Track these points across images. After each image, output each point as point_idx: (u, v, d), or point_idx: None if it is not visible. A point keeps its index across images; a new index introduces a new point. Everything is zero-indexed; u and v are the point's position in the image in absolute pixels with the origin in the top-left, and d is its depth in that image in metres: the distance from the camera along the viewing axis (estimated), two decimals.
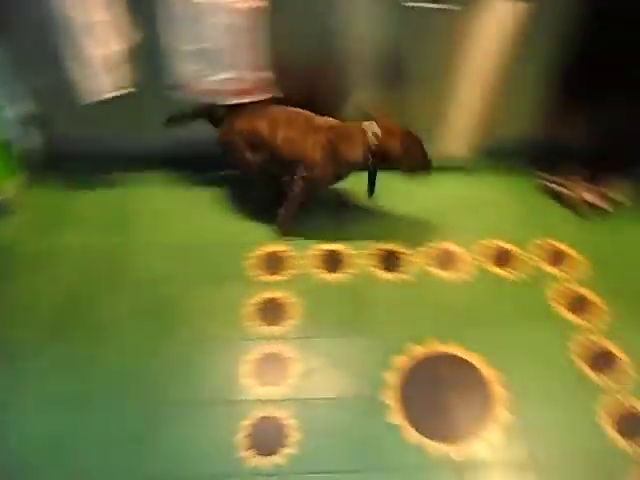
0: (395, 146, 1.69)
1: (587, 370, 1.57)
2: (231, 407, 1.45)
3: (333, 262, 1.83)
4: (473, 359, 1.58)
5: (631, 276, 1.82)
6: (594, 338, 1.64)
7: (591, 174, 2.01)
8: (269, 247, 1.86)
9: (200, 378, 1.52)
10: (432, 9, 1.69)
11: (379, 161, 1.74)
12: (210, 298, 1.71)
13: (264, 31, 1.66)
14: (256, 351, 1.57)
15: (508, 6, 1.71)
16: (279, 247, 1.86)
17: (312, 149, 1.72)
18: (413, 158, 1.73)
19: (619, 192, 2.01)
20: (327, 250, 1.87)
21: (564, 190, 2.04)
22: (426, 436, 1.42)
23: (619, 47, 1.72)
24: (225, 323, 1.64)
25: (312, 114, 1.78)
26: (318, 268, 1.81)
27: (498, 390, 1.51)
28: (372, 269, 1.82)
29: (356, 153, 1.72)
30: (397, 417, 1.45)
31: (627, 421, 1.46)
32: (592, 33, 1.75)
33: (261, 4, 1.62)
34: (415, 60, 1.84)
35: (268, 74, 1.75)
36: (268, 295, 1.72)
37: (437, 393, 1.51)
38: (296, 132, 1.74)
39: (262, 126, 1.75)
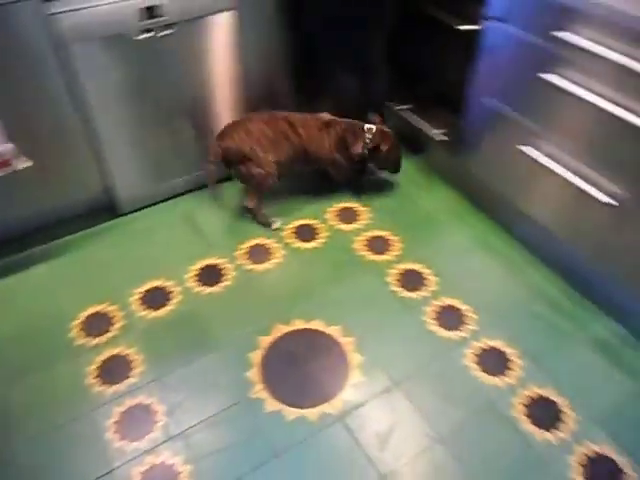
0: (385, 147, 2.08)
1: (405, 293, 1.84)
2: (115, 475, 1.38)
3: (156, 298, 1.82)
4: (316, 326, 1.73)
5: (405, 212, 2.17)
6: (401, 265, 1.93)
7: None
8: (88, 311, 1.78)
9: (67, 467, 1.40)
10: (156, 37, 1.78)
11: (369, 157, 2.12)
12: (45, 384, 1.58)
13: None
14: (115, 413, 1.51)
15: (223, 17, 1.88)
16: (99, 307, 1.79)
17: (329, 145, 2.04)
18: (393, 160, 2.17)
19: None
20: (148, 289, 1.85)
21: None
22: (302, 407, 1.52)
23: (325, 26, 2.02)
24: (72, 402, 1.53)
25: (309, 114, 2.05)
26: (143, 310, 1.79)
27: (346, 341, 1.69)
28: (195, 290, 1.86)
29: (359, 148, 2.06)
30: (272, 404, 1.53)
31: (448, 316, 1.76)
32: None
33: None
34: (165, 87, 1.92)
35: (10, 146, 1.67)
36: (105, 356, 1.65)
37: (297, 367, 1.63)
38: (313, 130, 2.01)
39: (284, 127, 1.98)
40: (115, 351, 1.67)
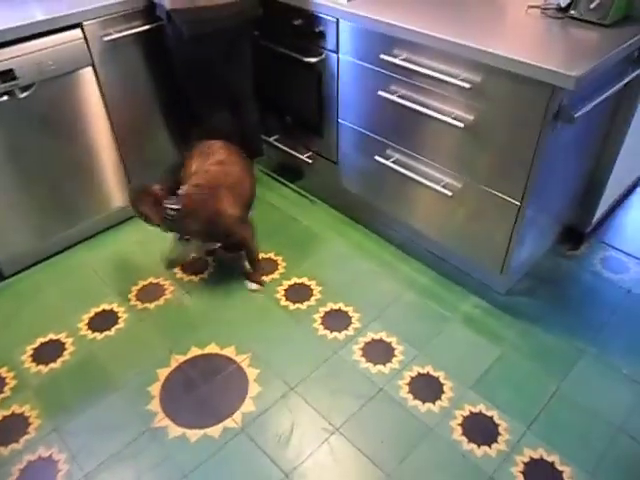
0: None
1: (293, 305, 1.97)
2: None
3: (49, 353, 1.82)
4: (212, 350, 1.81)
5: (286, 232, 2.32)
6: (287, 282, 2.07)
7: None
8: None
9: None
10: (16, 99, 1.83)
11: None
12: None
13: None
14: (15, 471, 1.49)
15: (81, 74, 1.97)
16: None
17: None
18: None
19: None
20: (39, 345, 1.85)
21: None
22: (204, 427, 1.59)
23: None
24: None
25: None
26: (36, 365, 1.78)
27: (241, 358, 1.78)
28: (89, 337, 1.87)
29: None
30: (175, 430, 1.58)
31: (334, 319, 1.91)
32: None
33: None
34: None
35: None
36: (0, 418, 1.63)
37: (196, 391, 1.69)
38: None
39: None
40: (8, 412, 1.64)
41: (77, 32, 1.89)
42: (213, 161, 2.00)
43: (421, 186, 1.90)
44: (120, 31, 1.98)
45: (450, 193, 1.81)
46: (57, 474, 1.49)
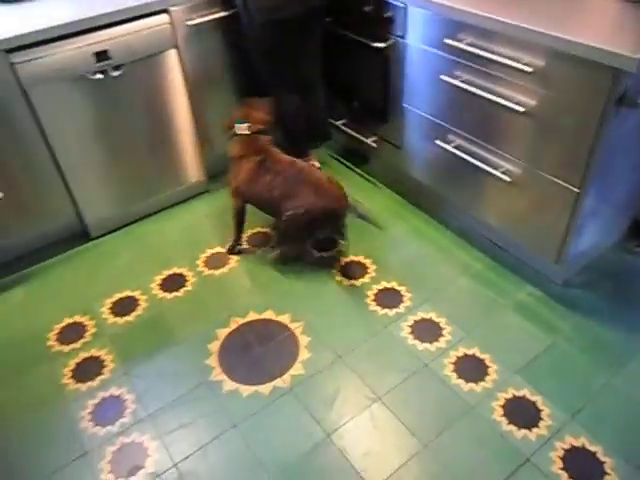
0: None
1: (348, 281, 2.06)
2: (89, 455, 1.55)
3: (124, 307, 2.02)
4: (268, 316, 1.93)
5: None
6: (344, 259, 2.15)
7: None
8: (63, 323, 1.97)
9: (46, 450, 1.57)
10: (108, 77, 2.03)
11: None
12: (26, 385, 1.76)
13: None
14: (89, 405, 1.69)
15: (167, 55, 2.14)
16: (72, 319, 1.98)
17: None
18: None
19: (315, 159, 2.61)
20: (116, 300, 2.05)
21: None
22: (256, 384, 1.71)
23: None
24: (50, 399, 1.71)
25: None
26: (113, 317, 1.98)
27: (294, 326, 1.89)
28: (159, 296, 2.06)
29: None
30: (229, 384, 1.72)
31: (386, 297, 1.98)
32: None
33: None
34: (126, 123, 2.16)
35: None
36: (79, 359, 1.84)
37: (251, 351, 1.82)
38: None
39: None
40: (88, 354, 1.85)
41: (164, 17, 2.07)
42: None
43: (481, 171, 1.91)
44: (202, 16, 2.14)
45: (509, 179, 1.81)
46: (125, 411, 1.67)
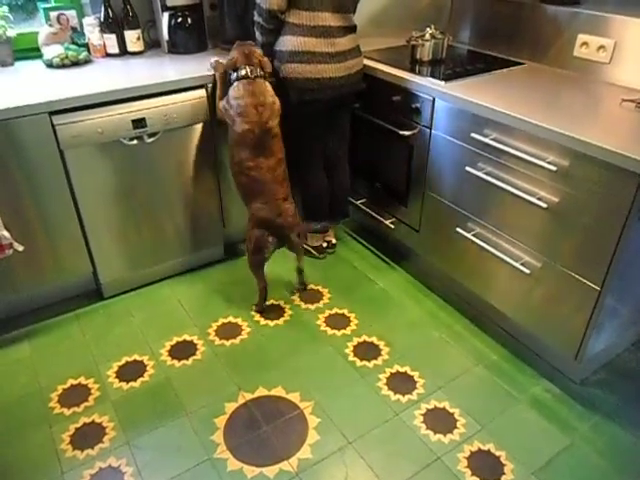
0: None
1: (360, 362, 2.02)
2: None
3: (131, 372, 1.97)
4: (278, 392, 1.88)
5: (362, 291, 2.41)
6: (357, 338, 2.13)
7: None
8: (66, 384, 1.92)
9: None
10: (143, 143, 2.10)
11: None
12: (22, 450, 1.69)
13: None
14: (86, 475, 1.61)
15: (198, 127, 2.22)
16: (77, 380, 1.93)
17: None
18: None
19: (332, 235, 2.65)
20: (124, 364, 2.01)
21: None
22: (261, 465, 1.64)
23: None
24: (46, 466, 1.63)
25: None
26: (119, 382, 1.93)
27: (304, 405, 1.84)
28: (168, 363, 2.01)
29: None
30: (234, 463, 1.64)
31: (399, 382, 1.93)
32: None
33: None
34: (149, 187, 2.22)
35: (6, 233, 1.90)
36: (79, 423, 1.77)
37: (258, 429, 1.76)
38: None
39: None
40: (89, 419, 1.79)
41: (202, 92, 2.17)
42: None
43: (500, 262, 1.93)
44: None
45: (528, 271, 1.82)
46: None
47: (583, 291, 1.70)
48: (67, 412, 1.82)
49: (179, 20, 2.38)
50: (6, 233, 1.89)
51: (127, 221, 2.22)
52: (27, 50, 2.30)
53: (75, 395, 1.88)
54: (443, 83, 2.02)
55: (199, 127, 2.22)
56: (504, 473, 1.63)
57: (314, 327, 2.19)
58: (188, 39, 2.44)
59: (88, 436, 1.73)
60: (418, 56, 2.32)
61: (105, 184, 2.10)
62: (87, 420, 1.79)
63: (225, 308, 2.29)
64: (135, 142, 2.08)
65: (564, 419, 1.80)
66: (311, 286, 2.42)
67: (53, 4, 2.35)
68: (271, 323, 2.21)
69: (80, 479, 1.60)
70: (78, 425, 1.77)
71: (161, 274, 2.45)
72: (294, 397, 1.87)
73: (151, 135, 2.11)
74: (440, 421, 1.79)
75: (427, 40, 2.29)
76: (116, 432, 1.75)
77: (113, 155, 2.07)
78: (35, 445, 1.71)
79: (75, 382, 1.93)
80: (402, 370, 1.98)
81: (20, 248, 1.95)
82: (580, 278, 1.70)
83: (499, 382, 1.94)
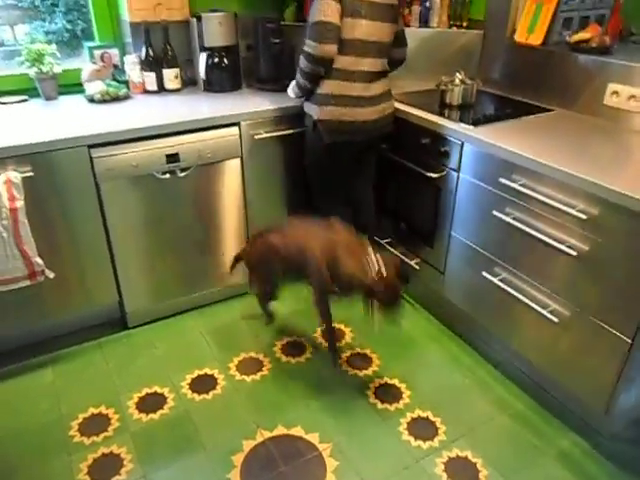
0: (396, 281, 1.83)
1: (381, 405, 1.98)
2: None
3: (151, 403, 1.98)
4: (297, 432, 1.86)
5: (384, 332, 2.37)
6: (378, 380, 2.10)
7: None
8: (87, 412, 1.93)
9: None
10: (175, 177, 2.16)
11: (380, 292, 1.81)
12: (40, 478, 1.69)
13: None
14: None
15: (230, 163, 2.28)
16: (98, 409, 1.94)
17: (316, 250, 1.91)
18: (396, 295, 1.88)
19: None
20: (144, 395, 2.01)
21: None
22: None
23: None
24: None
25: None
26: (138, 413, 1.93)
27: (323, 447, 1.81)
28: (188, 396, 2.01)
29: (357, 267, 1.81)
30: None
31: (420, 427, 1.89)
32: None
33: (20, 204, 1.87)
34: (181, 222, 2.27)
35: (39, 260, 1.95)
36: (98, 454, 1.77)
37: (276, 469, 1.73)
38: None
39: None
40: (107, 450, 1.79)
41: (234, 129, 2.23)
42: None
43: (526, 308, 1.89)
44: (270, 132, 2.30)
45: (556, 319, 1.79)
46: None
47: (613, 343, 1.66)
48: (87, 441, 1.82)
49: (216, 60, 2.47)
50: (39, 260, 1.95)
51: (155, 252, 2.27)
52: (70, 85, 2.40)
53: (95, 424, 1.89)
54: (472, 127, 2.04)
55: (231, 163, 2.27)
56: None
57: (332, 365, 2.17)
58: (224, 78, 2.52)
59: (105, 467, 1.73)
60: (448, 100, 2.35)
61: (136, 215, 2.16)
62: (106, 451, 1.79)
63: (247, 343, 2.29)
64: (168, 176, 2.14)
65: (593, 476, 1.73)
66: (335, 324, 2.40)
67: (98, 43, 2.47)
68: (293, 360, 2.20)
69: None
70: (96, 455, 1.77)
71: (186, 305, 2.47)
72: (313, 437, 1.84)
73: (183, 170, 2.17)
74: (462, 471, 1.74)
75: (457, 85, 2.32)
76: (133, 464, 1.74)
77: (146, 188, 2.13)
78: (53, 473, 1.71)
79: (96, 411, 1.94)
80: (424, 415, 1.94)
81: (51, 275, 2.01)
82: (610, 329, 1.66)
83: (524, 433, 1.88)
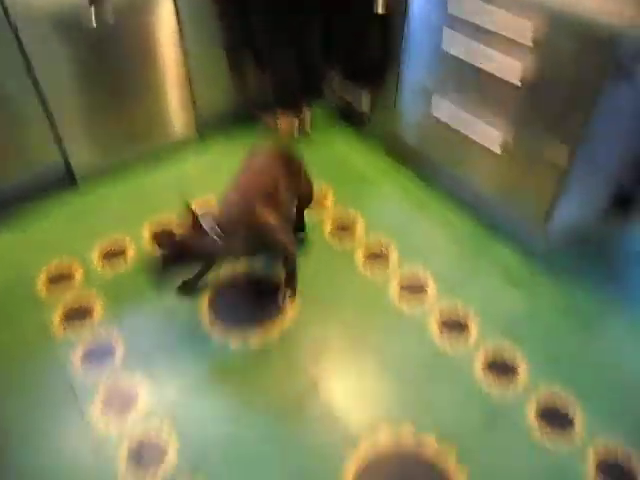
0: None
1: (335, 240, 2.09)
2: (79, 393, 1.59)
3: (112, 254, 2.02)
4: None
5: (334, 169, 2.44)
6: (331, 213, 2.18)
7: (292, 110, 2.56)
8: (51, 267, 1.97)
9: (36, 393, 1.60)
10: (101, 24, 1.97)
11: None
12: (15, 331, 1.77)
13: None
14: (78, 349, 1.71)
15: (162, 7, 2.09)
16: (61, 264, 1.98)
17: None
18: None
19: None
20: (105, 246, 2.05)
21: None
22: (245, 336, 1.76)
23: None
24: (39, 343, 1.73)
25: None
26: (102, 263, 1.99)
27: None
28: (148, 245, 2.06)
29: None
30: (218, 333, 1.75)
31: (374, 259, 2.02)
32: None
33: None
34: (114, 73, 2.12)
35: None
36: (68, 304, 1.85)
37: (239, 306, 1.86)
38: None
39: None
40: (77, 300, 1.86)
41: None
42: (248, 172, 1.79)
43: (472, 142, 1.94)
44: None
45: (499, 145, 1.85)
46: (114, 355, 1.70)
47: (552, 163, 1.73)
48: (54, 295, 1.88)
49: None
50: None
51: (95, 107, 2.18)
52: None
53: (61, 279, 1.93)
54: None
55: (162, 7, 2.08)
56: (468, 328, 1.76)
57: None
58: None
59: (77, 315, 1.81)
60: None
61: (68, 68, 2.02)
62: (75, 301, 1.86)
63: (201, 190, 2.28)
64: (93, 22, 1.95)
65: (528, 284, 1.92)
66: None
67: None
68: None
69: (73, 354, 1.70)
70: (66, 306, 1.84)
71: (135, 160, 2.42)
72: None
73: (111, 15, 1.97)
74: (412, 288, 1.90)
75: None
76: (104, 310, 1.83)
77: (70, 37, 1.96)
78: (28, 330, 1.77)
79: (59, 266, 1.98)
80: (375, 239, 2.07)
81: None
82: (550, 150, 1.72)
83: (469, 250, 2.04)
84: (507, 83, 1.72)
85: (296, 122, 2.55)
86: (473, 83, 1.87)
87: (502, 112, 1.82)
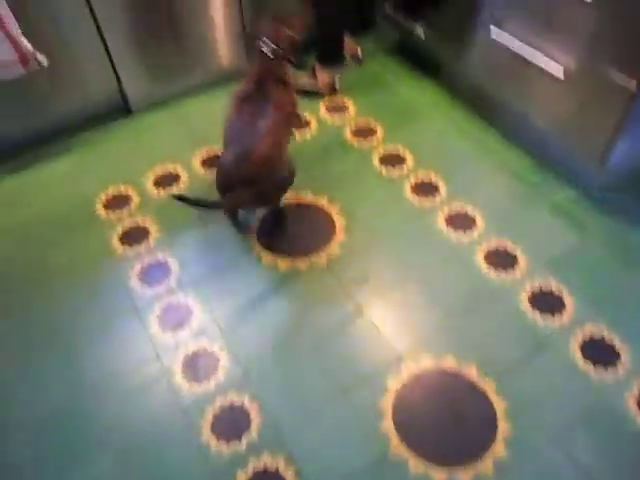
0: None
1: (386, 170, 2.08)
2: (138, 309, 1.69)
3: (167, 180, 2.08)
4: (306, 197, 1.99)
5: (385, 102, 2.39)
6: (383, 148, 2.17)
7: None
8: (109, 192, 2.05)
9: (100, 302, 1.71)
10: None
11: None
12: (77, 248, 1.87)
13: None
14: (136, 267, 1.80)
15: None
16: (118, 189, 2.06)
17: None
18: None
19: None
20: (159, 173, 2.12)
21: None
22: (293, 258, 1.80)
23: None
24: (101, 260, 1.83)
25: None
26: (156, 189, 2.05)
27: (331, 208, 1.95)
28: (200, 172, 2.11)
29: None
30: (267, 259, 1.81)
31: (423, 187, 2.01)
32: None
33: None
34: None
35: (27, 44, 1.86)
36: (126, 226, 1.93)
37: (289, 228, 1.91)
38: None
39: None
40: (134, 222, 1.94)
41: None
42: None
43: (533, 66, 1.85)
44: None
45: (562, 72, 1.76)
46: (170, 275, 1.78)
47: (617, 93, 1.65)
48: (112, 216, 1.96)
49: None
50: (26, 42, 1.85)
51: (147, 34, 2.16)
52: None
53: (118, 202, 2.01)
54: None
55: None
56: (518, 263, 1.76)
57: (340, 137, 2.23)
58: None
59: (135, 236, 1.89)
60: None
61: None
62: (132, 223, 1.94)
63: None
64: None
65: (580, 221, 1.88)
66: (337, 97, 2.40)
67: None
68: (299, 135, 2.24)
69: (132, 270, 1.80)
70: (124, 226, 1.92)
71: (187, 89, 2.43)
72: (321, 200, 1.97)
73: None
74: (460, 221, 1.89)
75: None
76: (160, 233, 1.90)
77: None
78: (89, 244, 1.88)
79: (116, 191, 2.05)
80: (426, 176, 2.05)
81: (45, 62, 1.92)
82: (616, 80, 1.63)
83: (522, 188, 2.00)
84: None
85: (337, 75, 2.45)
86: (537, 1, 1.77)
87: (568, 34, 1.72)
